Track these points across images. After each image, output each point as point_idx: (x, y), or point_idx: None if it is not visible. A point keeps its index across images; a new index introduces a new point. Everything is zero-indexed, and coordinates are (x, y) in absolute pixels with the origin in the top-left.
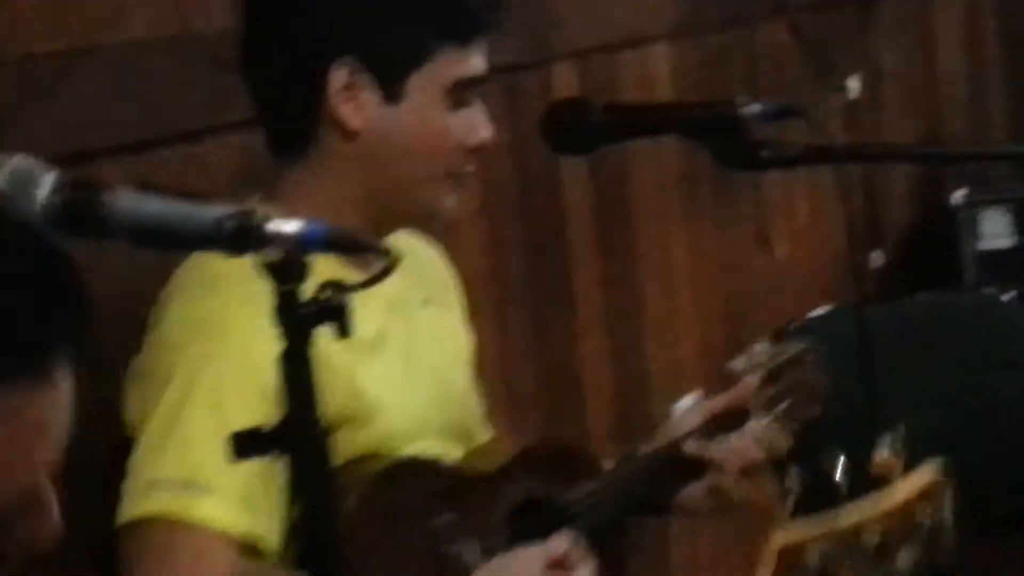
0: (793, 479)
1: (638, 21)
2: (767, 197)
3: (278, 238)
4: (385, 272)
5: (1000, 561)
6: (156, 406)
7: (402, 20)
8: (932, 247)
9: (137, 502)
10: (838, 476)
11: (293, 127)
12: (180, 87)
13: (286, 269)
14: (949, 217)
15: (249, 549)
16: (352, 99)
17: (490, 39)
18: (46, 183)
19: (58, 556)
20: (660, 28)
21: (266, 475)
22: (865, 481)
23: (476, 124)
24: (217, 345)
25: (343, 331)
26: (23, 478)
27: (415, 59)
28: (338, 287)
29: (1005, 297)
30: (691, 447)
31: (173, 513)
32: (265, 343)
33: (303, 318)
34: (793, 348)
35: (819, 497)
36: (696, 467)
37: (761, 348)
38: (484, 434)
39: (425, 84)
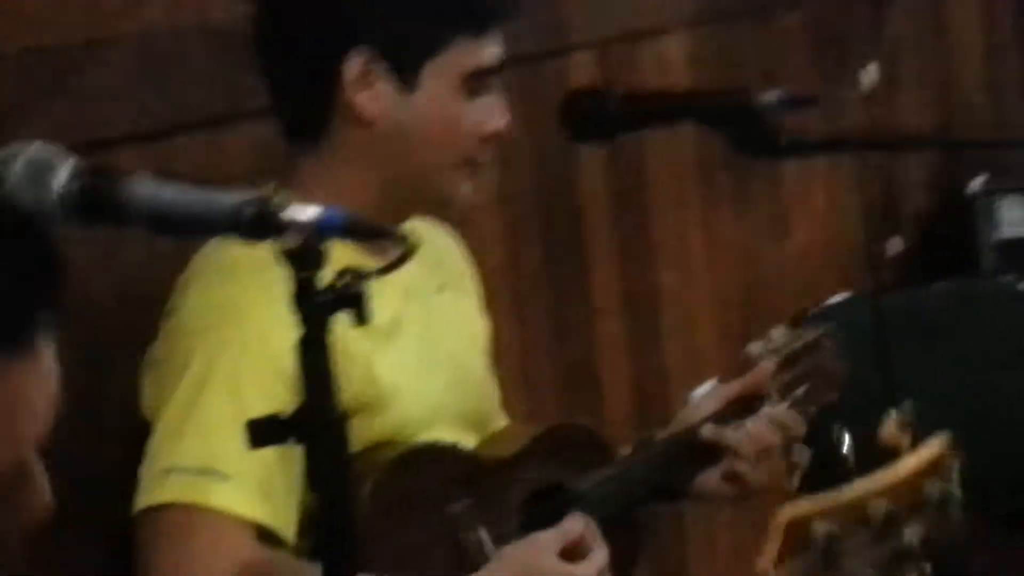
0: (800, 454)
1: (656, 11)
2: (784, 186)
3: (296, 225)
4: (403, 258)
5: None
6: (173, 392)
7: (418, 9)
8: (949, 235)
9: (154, 489)
10: (845, 451)
11: (308, 116)
12: (198, 76)
13: (304, 256)
14: (966, 206)
15: (265, 536)
16: (367, 88)
17: (507, 28)
18: (64, 171)
19: (76, 543)
20: (677, 18)
21: (283, 463)
22: (873, 456)
23: (492, 113)
24: (235, 332)
25: (361, 318)
26: (8, 452)
27: (431, 48)
28: (356, 274)
29: (1022, 286)
30: (707, 432)
31: (190, 499)
32: (283, 330)
33: (321, 305)
34: (811, 334)
35: (827, 472)
36: (712, 453)
37: (779, 334)
38: (499, 421)
39: (441, 73)
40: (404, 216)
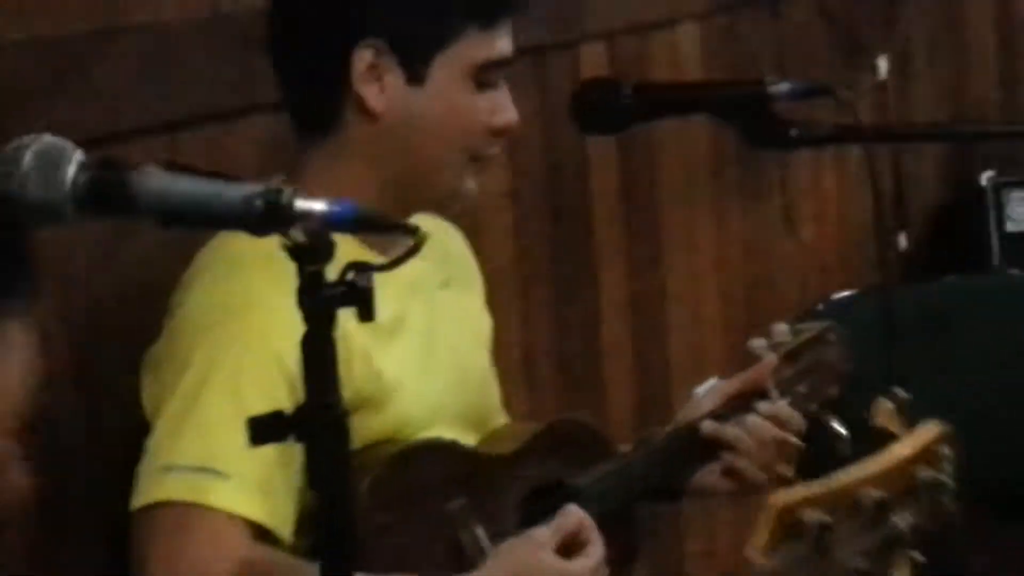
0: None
1: (667, 2)
2: (794, 179)
3: (306, 217)
4: (412, 251)
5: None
6: (174, 390)
7: (427, 2)
8: (959, 229)
9: (152, 486)
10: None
11: (318, 108)
12: (210, 68)
13: (312, 249)
14: (977, 199)
15: (263, 535)
16: (376, 81)
17: (518, 20)
18: (73, 162)
19: (76, 543)
20: (689, 9)
21: (283, 462)
22: (866, 442)
23: (501, 106)
24: (237, 330)
25: (367, 313)
26: None
27: (440, 41)
28: (363, 268)
29: None
30: (707, 428)
31: (189, 498)
32: (286, 328)
33: (327, 299)
34: (813, 329)
35: (820, 458)
36: (712, 449)
37: (781, 329)
38: (501, 420)
39: (450, 66)
40: (410, 210)
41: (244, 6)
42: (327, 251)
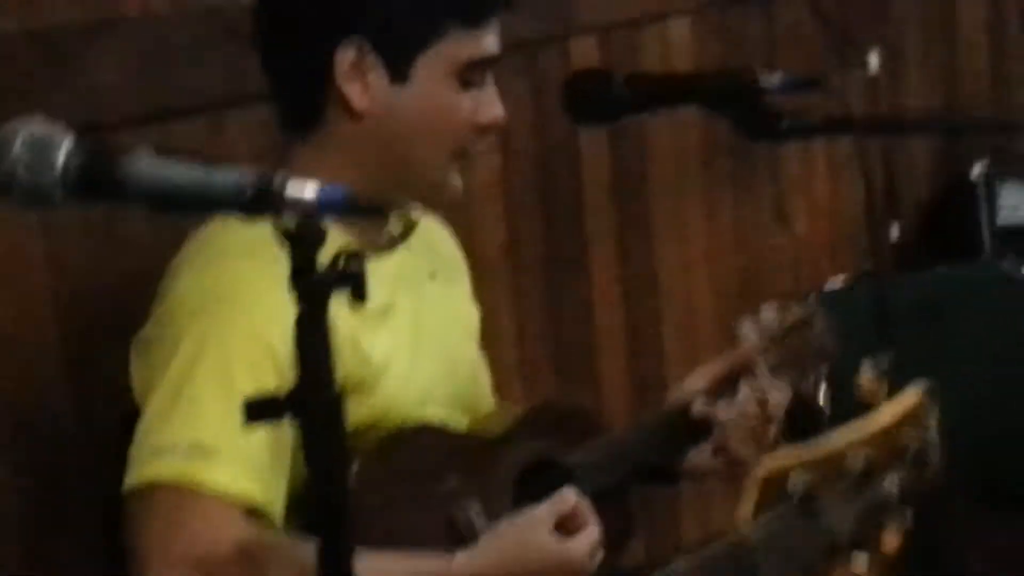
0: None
1: None
2: (785, 171)
3: (298, 202)
4: (405, 233)
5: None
6: (164, 373)
7: (411, 1)
8: (951, 221)
9: (144, 467)
10: (821, 403)
11: (302, 105)
12: (201, 60)
13: (304, 235)
14: (968, 191)
15: (255, 516)
16: (359, 79)
17: (510, 15)
18: (64, 146)
19: (71, 524)
20: (680, 3)
21: (273, 444)
22: (850, 408)
23: (486, 104)
24: (226, 313)
25: (359, 298)
26: None
27: (424, 40)
28: (354, 254)
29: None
30: (695, 408)
31: (180, 478)
32: (274, 314)
33: (320, 284)
34: (800, 311)
35: (804, 425)
36: (701, 428)
37: (768, 311)
38: (489, 410)
39: (434, 65)
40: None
41: None
42: (319, 236)
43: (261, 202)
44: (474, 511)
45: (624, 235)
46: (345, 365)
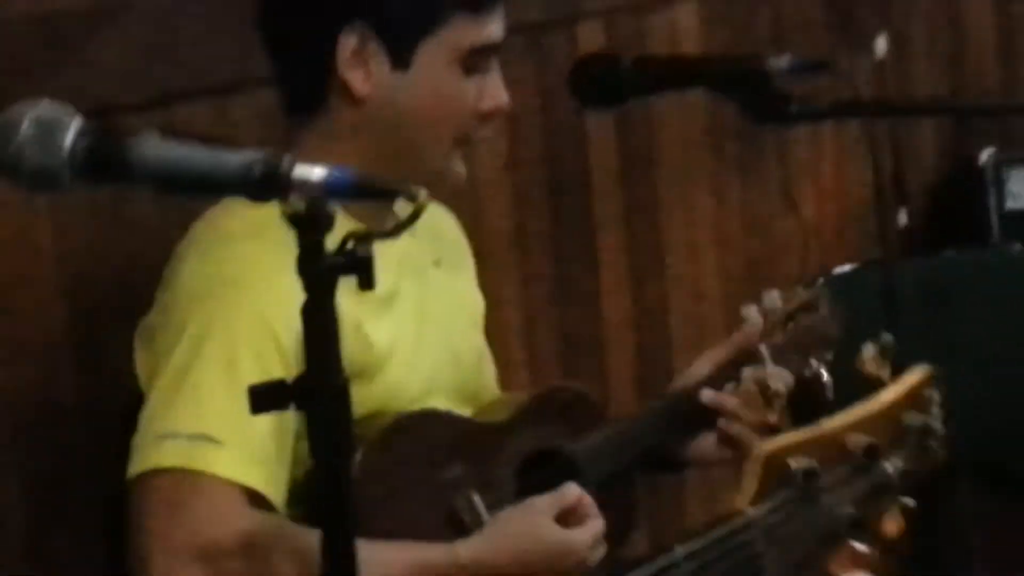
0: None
1: None
2: (793, 155)
3: (305, 184)
4: (413, 217)
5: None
6: (168, 359)
7: None
8: (959, 206)
9: (148, 454)
10: (825, 387)
11: (305, 90)
12: (204, 43)
13: (311, 218)
14: (976, 176)
15: (258, 503)
16: (361, 66)
17: (511, 2)
18: (72, 128)
19: (74, 512)
20: None
21: (277, 431)
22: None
23: (490, 90)
24: (231, 299)
25: (367, 282)
26: None
27: (426, 27)
28: (362, 237)
29: None
30: (706, 395)
31: (184, 465)
32: (280, 298)
33: (327, 268)
34: (805, 295)
35: (808, 409)
36: (705, 415)
37: (773, 295)
38: (493, 397)
39: (437, 51)
40: None
41: None
42: (328, 219)
43: (269, 184)
44: (477, 500)
45: (631, 220)
46: (347, 351)
